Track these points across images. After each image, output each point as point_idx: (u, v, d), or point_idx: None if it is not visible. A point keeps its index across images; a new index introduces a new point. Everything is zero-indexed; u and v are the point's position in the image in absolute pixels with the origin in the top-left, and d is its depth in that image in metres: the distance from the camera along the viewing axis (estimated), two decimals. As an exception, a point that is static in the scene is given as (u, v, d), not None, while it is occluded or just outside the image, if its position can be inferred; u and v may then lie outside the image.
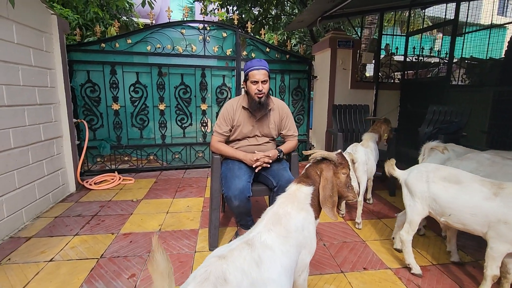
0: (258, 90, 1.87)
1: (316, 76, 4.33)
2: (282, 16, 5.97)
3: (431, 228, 2.29)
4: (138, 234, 2.17)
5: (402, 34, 4.64)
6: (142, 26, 7.14)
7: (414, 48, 4.28)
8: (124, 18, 6.87)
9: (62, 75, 2.88)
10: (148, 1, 3.29)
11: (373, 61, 4.37)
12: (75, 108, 3.35)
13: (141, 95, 3.68)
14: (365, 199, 2.74)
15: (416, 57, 4.34)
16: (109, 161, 3.73)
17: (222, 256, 0.87)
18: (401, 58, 4.48)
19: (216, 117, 4.00)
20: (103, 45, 3.45)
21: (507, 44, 3.99)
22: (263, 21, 5.59)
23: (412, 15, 4.68)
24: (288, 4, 5.89)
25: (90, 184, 3.18)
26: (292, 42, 7.19)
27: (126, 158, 3.79)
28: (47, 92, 2.68)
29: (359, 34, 4.90)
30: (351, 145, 2.52)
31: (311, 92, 4.55)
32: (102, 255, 1.90)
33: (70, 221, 2.38)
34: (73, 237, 2.12)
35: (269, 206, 1.97)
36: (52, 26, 2.78)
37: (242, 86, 3.95)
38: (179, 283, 1.62)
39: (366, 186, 2.50)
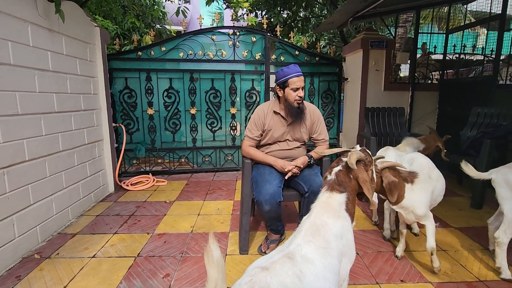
0: (299, 96, 1.87)
1: (347, 78, 4.22)
2: (311, 18, 5.90)
3: (477, 241, 2.12)
4: (171, 235, 2.25)
5: (441, 32, 4.37)
6: (174, 33, 7.46)
7: (454, 46, 4.01)
8: (158, 26, 7.22)
9: (104, 82, 3.08)
10: (181, 10, 3.43)
11: (409, 61, 4.16)
12: (113, 113, 3.57)
13: (174, 100, 3.83)
14: None
15: (457, 56, 4.06)
16: (144, 163, 3.91)
17: (265, 267, 0.87)
18: (440, 57, 4.22)
19: (245, 120, 4.04)
20: (139, 53, 3.65)
21: None
22: (292, 24, 5.56)
23: (452, 10, 4.40)
24: (317, 6, 5.80)
25: (127, 185, 3.36)
26: (321, 43, 7.07)
27: (159, 161, 3.95)
28: (90, 98, 2.88)
29: (393, 33, 4.69)
30: (382, 148, 2.41)
31: (341, 95, 4.44)
32: (138, 254, 1.99)
33: (110, 220, 2.53)
34: (113, 236, 2.25)
35: (299, 211, 1.96)
36: (95, 38, 2.99)
37: (270, 90, 3.98)
38: (211, 285, 1.65)
39: None
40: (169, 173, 3.91)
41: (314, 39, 6.90)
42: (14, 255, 1.88)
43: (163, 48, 3.69)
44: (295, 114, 1.93)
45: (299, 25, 5.67)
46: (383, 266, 1.84)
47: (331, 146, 4.33)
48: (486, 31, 4.07)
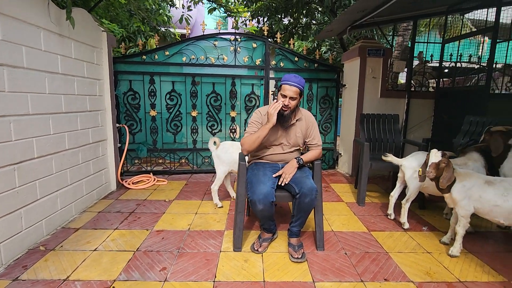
0: (284, 104, 1.97)
1: (345, 85, 4.32)
2: (312, 25, 6.03)
3: (464, 245, 2.20)
4: (169, 232, 2.36)
5: (437, 42, 4.47)
6: (178, 36, 7.62)
7: (451, 55, 4.11)
8: (163, 29, 7.37)
9: (109, 84, 3.22)
10: (185, 18, 3.56)
11: (405, 70, 4.26)
12: (117, 114, 3.70)
13: (176, 103, 3.96)
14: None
15: (454, 64, 4.15)
16: (145, 163, 4.04)
17: None
18: (437, 65, 4.31)
19: (245, 123, 4.16)
20: (144, 57, 3.79)
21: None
22: (293, 30, 5.70)
23: (451, 19, 4.49)
24: (318, 13, 5.94)
25: (129, 184, 3.48)
26: (322, 49, 7.20)
27: (160, 161, 4.08)
28: (96, 100, 3.02)
29: (390, 42, 4.80)
30: (414, 152, 2.66)
31: (340, 100, 4.54)
32: (137, 248, 2.10)
33: (111, 216, 2.65)
34: (113, 231, 2.36)
35: (292, 212, 2.05)
36: (102, 42, 3.13)
37: (271, 93, 4.10)
38: (204, 279, 1.76)
39: None
40: (170, 173, 4.03)
41: (315, 45, 7.03)
42: (21, 246, 1.99)
43: (167, 53, 3.83)
44: (278, 118, 2.00)
45: (300, 32, 5.80)
46: (369, 266, 1.93)
47: (328, 150, 4.44)
48: (487, 39, 4.16)
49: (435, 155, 2.01)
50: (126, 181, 3.52)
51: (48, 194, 2.28)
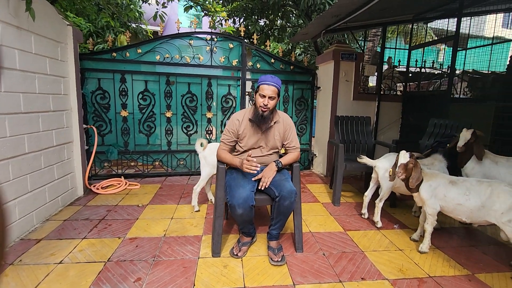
0: (264, 104, 1.96)
1: (320, 87, 4.42)
2: (288, 28, 6.11)
3: (432, 242, 2.33)
4: (143, 239, 2.25)
5: (404, 48, 4.72)
6: (150, 33, 7.32)
7: (416, 60, 4.36)
8: (134, 25, 7.05)
9: (75, 83, 3.00)
10: (159, 15, 3.42)
11: (376, 74, 4.45)
12: (85, 114, 3.47)
13: (149, 103, 3.79)
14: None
15: (419, 69, 4.41)
16: (116, 166, 3.83)
17: None
18: (404, 70, 4.55)
19: (221, 125, 4.10)
20: (114, 54, 3.58)
21: (510, 58, 4.07)
22: (269, 32, 5.73)
23: (415, 27, 4.78)
24: (293, 16, 6.03)
25: (98, 189, 3.27)
26: (296, 52, 7.31)
27: (132, 164, 3.88)
28: (60, 99, 2.80)
29: (362, 46, 4.99)
30: (386, 154, 2.76)
31: (315, 102, 4.63)
32: (109, 258, 1.97)
33: (78, 224, 2.47)
34: (81, 240, 2.20)
35: (271, 214, 2.04)
36: (67, 37, 2.91)
37: (246, 94, 4.08)
38: (183, 288, 1.69)
39: None
40: (142, 176, 3.86)
41: (290, 47, 7.12)
42: (-28, 262, 1.78)
43: (139, 50, 3.66)
44: (257, 119, 2.02)
45: (276, 34, 5.84)
46: (347, 266, 1.98)
47: (303, 151, 4.51)
48: (445, 47, 4.47)
49: (404, 156, 2.11)
50: (94, 186, 3.30)
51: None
